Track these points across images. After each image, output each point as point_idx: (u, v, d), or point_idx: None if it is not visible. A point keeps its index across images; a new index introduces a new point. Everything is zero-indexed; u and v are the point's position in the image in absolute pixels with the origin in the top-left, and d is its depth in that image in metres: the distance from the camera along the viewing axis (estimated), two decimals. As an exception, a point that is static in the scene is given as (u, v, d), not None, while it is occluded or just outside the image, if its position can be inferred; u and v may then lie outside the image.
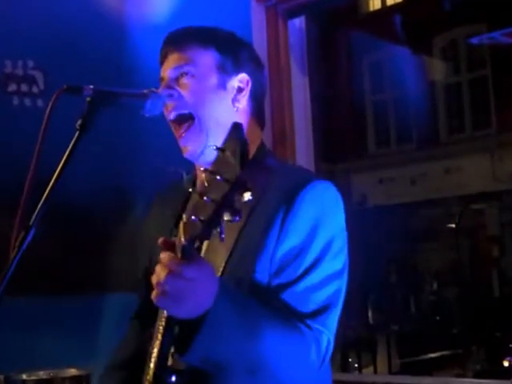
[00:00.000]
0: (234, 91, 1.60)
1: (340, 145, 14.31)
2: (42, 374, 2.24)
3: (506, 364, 2.81)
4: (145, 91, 1.54)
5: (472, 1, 12.59)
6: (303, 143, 3.58)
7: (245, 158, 1.11)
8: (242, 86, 1.61)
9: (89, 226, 3.08)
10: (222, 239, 1.15)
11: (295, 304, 1.42)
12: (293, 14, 3.65)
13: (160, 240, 1.27)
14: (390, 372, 8.91)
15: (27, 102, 3.05)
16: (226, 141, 1.15)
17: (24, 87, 3.05)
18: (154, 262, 1.66)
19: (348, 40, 15.06)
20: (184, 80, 1.58)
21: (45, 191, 1.40)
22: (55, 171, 1.41)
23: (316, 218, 1.46)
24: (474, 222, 13.46)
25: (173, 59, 1.60)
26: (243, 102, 1.61)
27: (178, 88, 1.57)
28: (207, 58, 1.59)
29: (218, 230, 1.15)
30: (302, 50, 3.71)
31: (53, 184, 1.40)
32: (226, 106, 1.59)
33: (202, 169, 1.16)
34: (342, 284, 1.49)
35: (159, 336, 1.37)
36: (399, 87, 14.24)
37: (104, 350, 1.87)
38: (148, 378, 1.39)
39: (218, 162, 1.14)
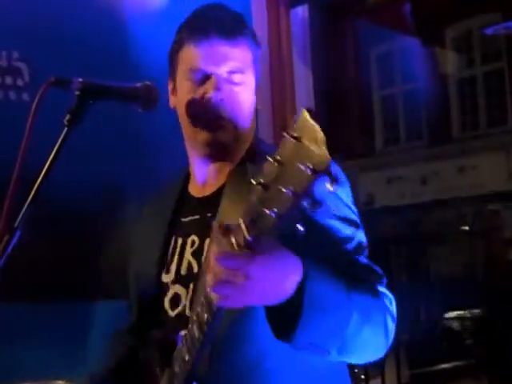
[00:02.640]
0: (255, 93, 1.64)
1: (345, 142, 14.30)
2: (28, 387, 2.24)
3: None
4: (137, 85, 1.54)
5: (486, -12, 12.61)
6: (306, 140, 3.58)
7: (326, 145, 1.07)
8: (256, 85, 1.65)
9: (76, 228, 3.07)
10: (300, 232, 1.10)
11: (353, 272, 1.43)
12: (295, 2, 3.66)
13: (214, 224, 1.22)
14: (400, 384, 8.92)
15: (12, 95, 3.04)
16: (299, 128, 1.10)
17: (8, 80, 3.05)
18: (144, 267, 1.69)
19: (354, 30, 15.06)
20: (233, 87, 1.57)
21: (31, 191, 1.40)
22: (42, 169, 1.41)
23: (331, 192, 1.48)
24: (488, 224, 13.46)
25: (223, 53, 1.57)
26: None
27: (226, 92, 1.56)
28: (251, 59, 1.61)
29: (297, 224, 1.10)
30: (305, 41, 3.71)
31: (39, 183, 1.40)
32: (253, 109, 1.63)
33: (269, 158, 1.11)
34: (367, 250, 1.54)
35: (191, 344, 1.38)
36: (409, 81, 14.23)
37: (92, 360, 1.88)
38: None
39: (290, 150, 1.08)
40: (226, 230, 1.19)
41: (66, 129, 1.43)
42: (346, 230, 1.49)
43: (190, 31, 1.59)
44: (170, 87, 1.67)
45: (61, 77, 1.46)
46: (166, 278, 1.64)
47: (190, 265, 1.59)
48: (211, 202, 1.58)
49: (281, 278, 1.22)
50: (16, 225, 1.37)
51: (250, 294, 1.20)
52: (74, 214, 2.98)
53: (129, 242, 1.81)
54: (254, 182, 1.11)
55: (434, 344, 10.27)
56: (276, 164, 1.08)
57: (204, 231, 1.56)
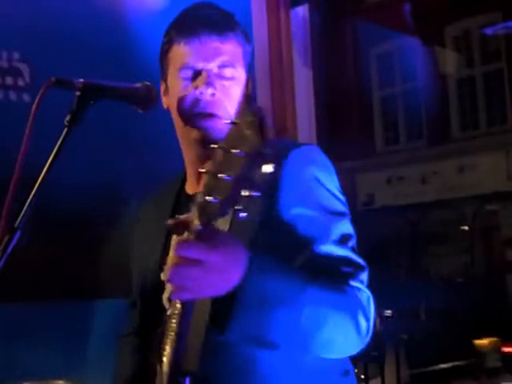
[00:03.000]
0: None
1: (345, 142, 14.31)
2: (28, 386, 2.24)
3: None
4: (137, 85, 1.54)
5: (486, -12, 12.61)
6: (306, 140, 3.58)
7: (263, 129, 1.09)
8: (247, 81, 1.63)
9: (78, 228, 3.08)
10: (242, 217, 1.13)
11: (326, 265, 1.41)
12: (295, 2, 3.65)
13: (169, 222, 1.24)
14: (399, 384, 8.92)
15: (12, 95, 3.04)
16: (239, 114, 1.12)
17: (9, 80, 3.05)
18: (145, 267, 1.70)
19: (354, 30, 15.06)
20: (224, 82, 1.57)
21: (31, 191, 1.40)
22: (42, 170, 1.41)
23: (313, 178, 1.49)
24: (488, 224, 13.47)
25: (213, 48, 1.56)
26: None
27: (217, 87, 1.55)
28: (241, 54, 1.60)
29: (238, 207, 1.12)
30: (306, 41, 3.71)
31: (40, 184, 1.41)
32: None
33: (213, 146, 1.13)
34: (354, 241, 1.50)
35: (171, 338, 1.37)
36: (409, 80, 14.25)
37: (94, 360, 1.88)
38: (162, 382, 1.40)
39: (231, 136, 1.11)
40: (182, 224, 1.21)
41: (66, 129, 1.43)
42: (322, 221, 1.46)
43: (179, 30, 1.59)
44: (161, 88, 1.66)
45: (61, 77, 1.46)
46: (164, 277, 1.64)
47: None
48: None
49: (229, 267, 1.22)
50: (16, 225, 1.37)
51: (203, 284, 1.20)
52: (74, 213, 2.98)
53: (129, 242, 1.81)
54: (203, 171, 1.14)
55: (434, 344, 10.28)
56: (221, 152, 1.11)
57: None
